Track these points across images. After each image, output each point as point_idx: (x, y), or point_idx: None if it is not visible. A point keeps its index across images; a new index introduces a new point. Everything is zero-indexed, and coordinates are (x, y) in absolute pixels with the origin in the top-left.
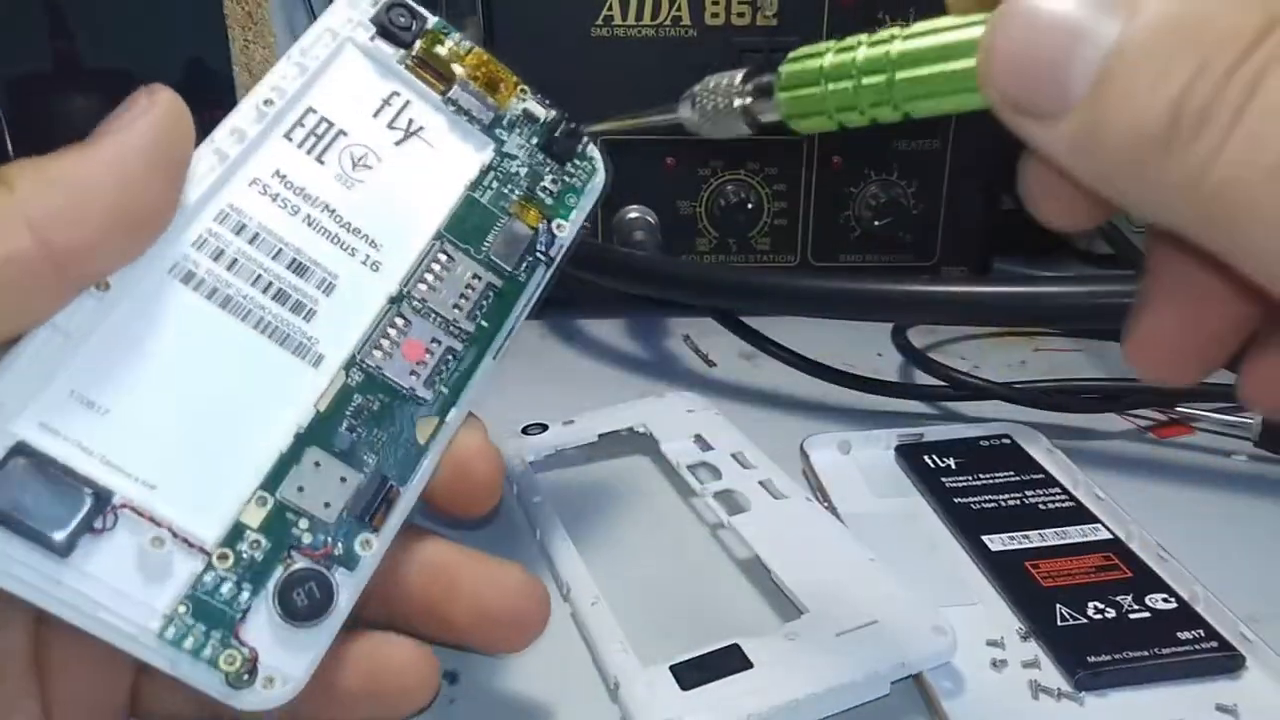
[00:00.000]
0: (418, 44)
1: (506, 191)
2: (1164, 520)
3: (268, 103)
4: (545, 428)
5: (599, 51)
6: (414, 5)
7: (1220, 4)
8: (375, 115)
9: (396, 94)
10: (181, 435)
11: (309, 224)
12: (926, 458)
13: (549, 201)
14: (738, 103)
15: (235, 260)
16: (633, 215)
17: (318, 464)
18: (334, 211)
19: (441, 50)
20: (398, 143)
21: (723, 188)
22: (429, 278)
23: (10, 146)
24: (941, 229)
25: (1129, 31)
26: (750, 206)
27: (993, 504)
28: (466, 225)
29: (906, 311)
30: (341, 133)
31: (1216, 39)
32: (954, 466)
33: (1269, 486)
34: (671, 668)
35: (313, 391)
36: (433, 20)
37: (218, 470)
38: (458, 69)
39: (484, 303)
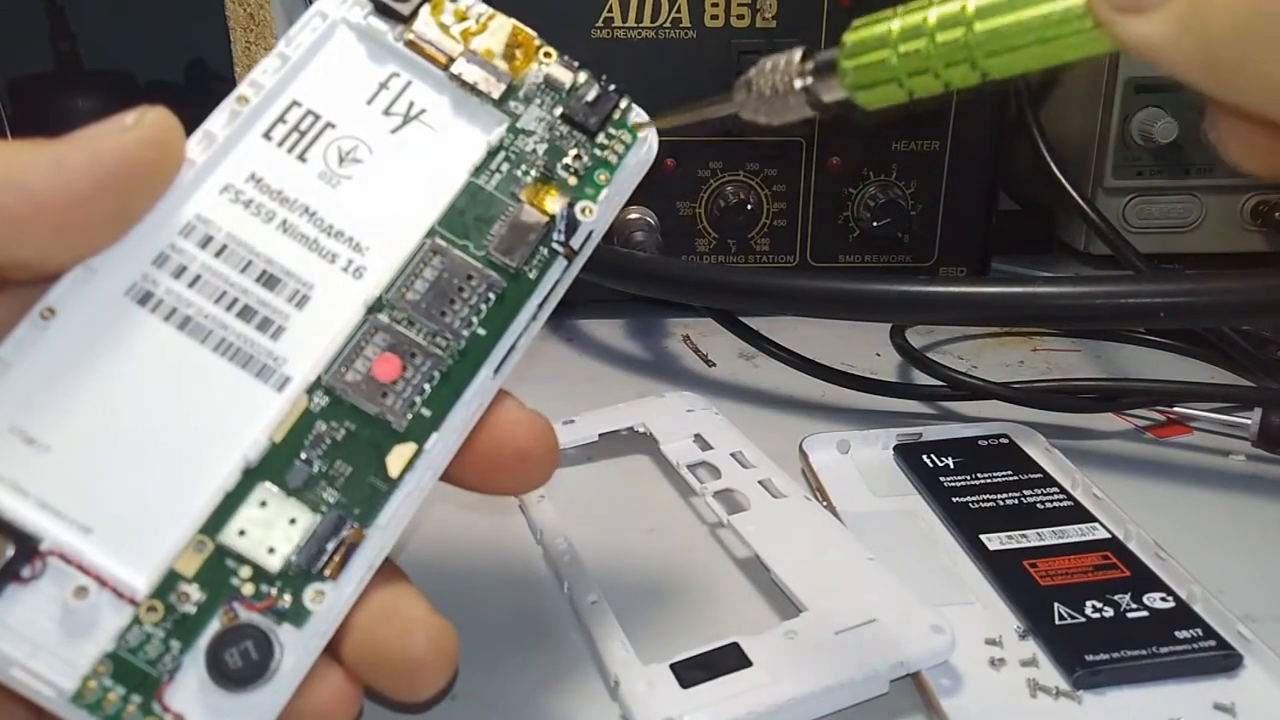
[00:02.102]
0: (421, 14)
1: (519, 174)
2: (1162, 520)
3: (241, 101)
4: None
5: (599, 53)
6: None
7: None
8: (370, 102)
9: (395, 76)
10: (126, 473)
11: (284, 230)
12: (925, 457)
13: (572, 181)
14: (798, 83)
15: (198, 277)
16: (633, 216)
17: (264, 503)
18: (314, 214)
19: (447, 19)
20: (394, 130)
21: (722, 189)
22: (417, 283)
23: None
24: (940, 229)
25: None
26: (750, 207)
27: (991, 503)
28: (466, 217)
29: (905, 312)
30: (329, 125)
31: None
32: (952, 466)
33: (1266, 486)
34: (671, 666)
35: (270, 419)
36: None
37: (158, 511)
38: (462, 37)
39: (481, 307)
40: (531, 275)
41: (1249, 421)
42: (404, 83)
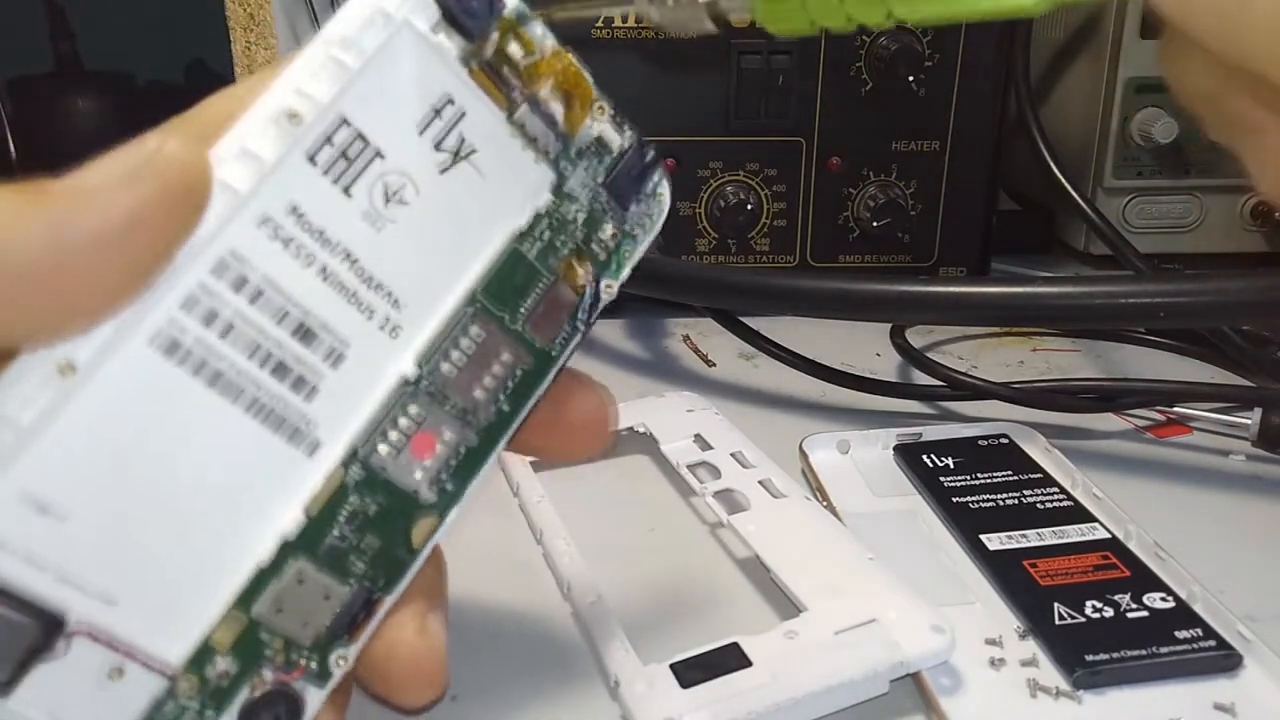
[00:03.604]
0: (491, 37)
1: (558, 244)
2: (1162, 520)
3: (294, 118)
4: None
5: (599, 53)
6: None
7: None
8: (422, 131)
9: (450, 103)
10: (151, 540)
11: (324, 277)
12: (925, 457)
13: (602, 256)
14: None
15: (231, 326)
16: None
17: (301, 580)
18: (355, 261)
19: (515, 49)
20: (443, 170)
21: (722, 189)
22: (454, 354)
23: (13, 148)
24: (940, 230)
25: None
26: (750, 208)
27: (991, 503)
28: (506, 288)
29: (905, 311)
30: (378, 155)
31: None
32: (952, 466)
33: (1266, 486)
34: (671, 666)
35: (304, 489)
36: (511, 3)
37: (188, 581)
38: (527, 75)
39: (509, 384)
40: (554, 353)
41: (1249, 421)
42: (458, 112)
